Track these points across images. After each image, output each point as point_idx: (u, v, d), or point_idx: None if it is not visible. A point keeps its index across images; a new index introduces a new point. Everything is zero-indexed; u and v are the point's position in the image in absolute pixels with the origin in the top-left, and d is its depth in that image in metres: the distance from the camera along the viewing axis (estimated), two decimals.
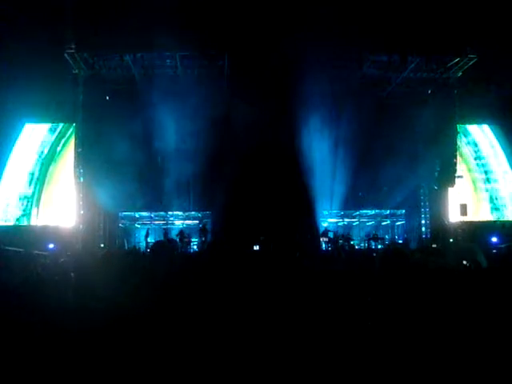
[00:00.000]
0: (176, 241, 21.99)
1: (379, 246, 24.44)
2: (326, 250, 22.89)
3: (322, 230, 24.74)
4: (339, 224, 26.99)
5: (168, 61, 23.00)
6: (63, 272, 5.04)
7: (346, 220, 27.45)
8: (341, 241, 23.54)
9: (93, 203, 23.27)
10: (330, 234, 24.22)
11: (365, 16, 19.96)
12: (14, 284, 4.65)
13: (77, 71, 22.76)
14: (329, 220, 26.49)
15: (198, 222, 26.84)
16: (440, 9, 20.05)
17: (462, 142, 25.40)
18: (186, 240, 23.50)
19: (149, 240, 23.97)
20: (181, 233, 23.92)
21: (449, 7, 20.05)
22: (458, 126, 24.69)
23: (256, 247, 18.35)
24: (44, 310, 3.58)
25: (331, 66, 22.50)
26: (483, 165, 26.29)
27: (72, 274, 4.34)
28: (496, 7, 20.46)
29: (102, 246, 23.08)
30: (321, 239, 23.90)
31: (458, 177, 23.95)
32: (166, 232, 24.58)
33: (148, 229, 25.54)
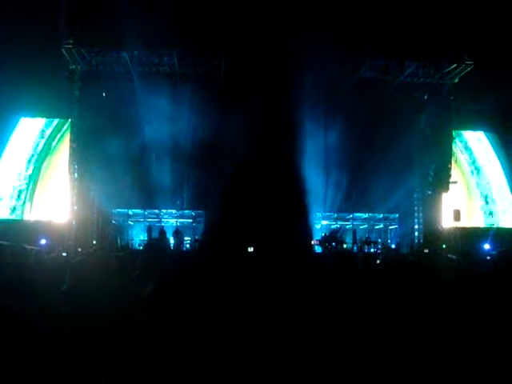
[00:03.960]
0: (165, 239, 22.06)
1: (372, 250, 24.48)
2: (320, 253, 22.90)
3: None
4: (332, 227, 26.97)
5: (165, 58, 22.96)
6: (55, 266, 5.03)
7: (340, 223, 27.44)
8: (334, 243, 23.54)
9: (86, 199, 23.23)
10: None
11: (363, 20, 20.01)
12: (6, 277, 4.62)
13: (74, 67, 22.70)
14: (322, 222, 26.50)
15: (191, 220, 26.82)
16: (438, 15, 20.11)
17: (456, 147, 25.44)
18: (179, 238, 23.52)
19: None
20: (176, 231, 23.94)
21: (447, 13, 20.11)
22: (454, 132, 24.75)
23: (250, 249, 18.35)
24: (37, 305, 3.57)
25: (328, 68, 22.47)
26: (477, 171, 26.40)
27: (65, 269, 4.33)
28: (493, 14, 20.54)
29: (94, 242, 23.01)
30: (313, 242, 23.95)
31: (453, 182, 23.99)
32: (163, 230, 24.45)
33: (150, 225, 25.43)
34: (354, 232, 25.70)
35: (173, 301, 2.45)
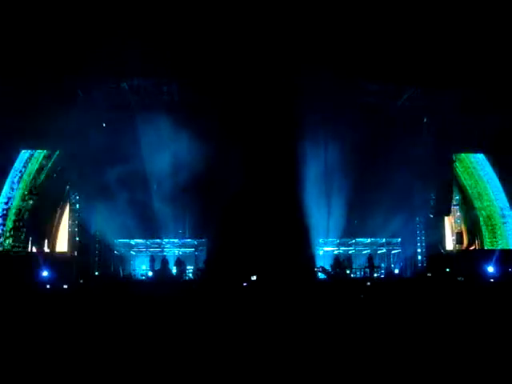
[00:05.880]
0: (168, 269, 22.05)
1: (375, 275, 24.34)
2: (323, 279, 22.82)
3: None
4: (334, 253, 26.81)
5: (164, 88, 23.08)
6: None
7: (342, 248, 27.27)
8: (338, 269, 23.46)
9: (88, 230, 23.13)
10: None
11: (362, 45, 20.13)
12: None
13: (73, 98, 22.76)
14: (325, 248, 26.32)
15: (193, 249, 26.67)
16: (436, 39, 20.22)
17: (457, 170, 25.44)
18: (182, 268, 23.44)
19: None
20: (178, 261, 23.85)
21: (444, 37, 20.22)
22: (454, 155, 24.75)
23: (253, 277, 18.27)
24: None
25: (328, 94, 22.55)
26: (479, 193, 26.29)
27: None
28: (491, 38, 20.65)
29: (96, 273, 22.92)
30: (316, 269, 23.81)
31: (454, 205, 23.95)
32: (165, 259, 24.40)
33: (152, 255, 25.32)
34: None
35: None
